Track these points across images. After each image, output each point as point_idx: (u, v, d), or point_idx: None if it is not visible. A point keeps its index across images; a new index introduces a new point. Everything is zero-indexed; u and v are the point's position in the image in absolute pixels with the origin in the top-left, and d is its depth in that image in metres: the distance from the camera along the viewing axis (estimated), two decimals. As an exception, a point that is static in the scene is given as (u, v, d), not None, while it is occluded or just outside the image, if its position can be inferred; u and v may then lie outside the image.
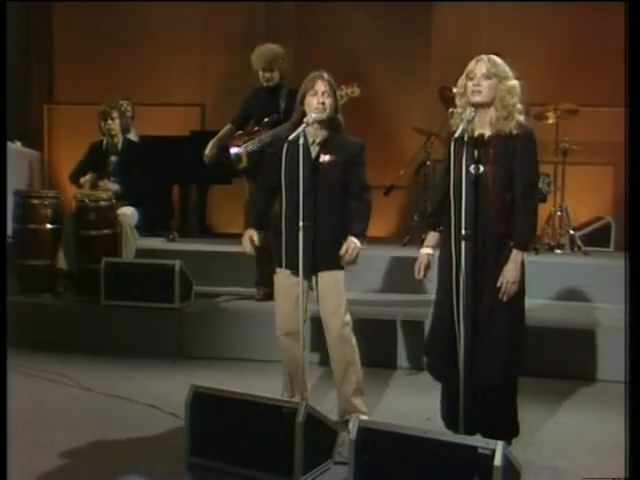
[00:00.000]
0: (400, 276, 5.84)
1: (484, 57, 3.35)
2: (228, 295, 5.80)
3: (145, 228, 6.23)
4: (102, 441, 3.62)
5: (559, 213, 7.00)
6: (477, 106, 3.32)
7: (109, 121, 6.01)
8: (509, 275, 3.31)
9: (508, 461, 2.72)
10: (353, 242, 3.66)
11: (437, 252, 3.54)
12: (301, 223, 3.55)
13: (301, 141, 3.51)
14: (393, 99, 8.42)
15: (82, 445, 3.56)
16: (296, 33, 8.54)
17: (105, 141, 6.14)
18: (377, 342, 5.00)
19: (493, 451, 2.68)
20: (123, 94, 7.45)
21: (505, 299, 3.31)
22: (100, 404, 4.20)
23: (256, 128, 5.39)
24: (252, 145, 5.30)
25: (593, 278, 5.76)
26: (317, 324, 3.93)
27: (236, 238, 6.93)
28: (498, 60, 3.35)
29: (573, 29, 8.03)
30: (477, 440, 2.89)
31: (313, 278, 3.80)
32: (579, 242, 6.90)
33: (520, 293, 3.38)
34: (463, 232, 3.23)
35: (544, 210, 6.84)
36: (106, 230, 5.73)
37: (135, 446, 3.58)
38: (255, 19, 8.68)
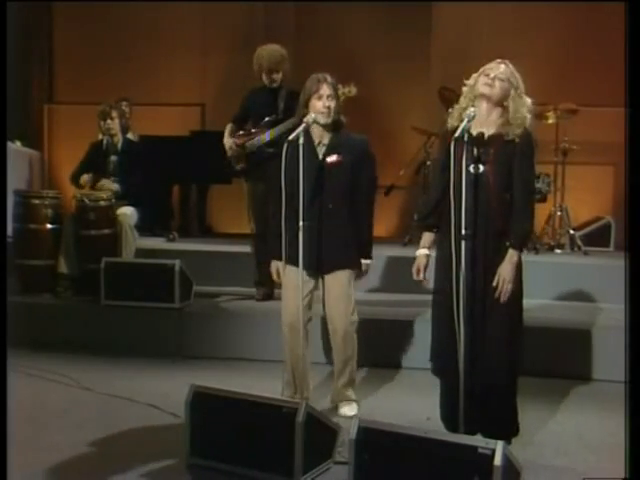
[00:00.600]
0: (400, 276, 5.82)
1: (505, 62, 3.39)
2: (228, 295, 5.80)
3: (145, 228, 6.23)
4: (102, 441, 3.62)
5: (559, 213, 7.00)
6: (483, 98, 3.33)
7: (108, 121, 6.01)
8: (504, 274, 3.32)
9: (508, 461, 2.72)
10: (366, 265, 3.94)
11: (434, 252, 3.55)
12: (301, 223, 3.59)
13: (301, 141, 3.53)
14: (393, 99, 8.42)
15: (82, 445, 3.56)
16: (295, 33, 8.53)
17: (105, 141, 6.14)
18: (377, 342, 5.00)
19: (493, 451, 2.68)
20: (123, 94, 7.46)
21: (502, 298, 3.31)
22: (100, 404, 4.20)
23: (253, 130, 5.38)
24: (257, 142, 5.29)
25: (593, 278, 5.76)
26: (325, 324, 3.96)
27: (236, 238, 7.01)
28: (516, 72, 3.38)
29: (573, 29, 8.02)
30: (477, 440, 2.89)
31: (319, 278, 3.92)
32: (579, 242, 6.89)
33: (518, 293, 3.38)
34: (463, 232, 3.24)
35: (544, 210, 6.84)
36: (106, 230, 5.74)
37: (135, 446, 3.58)
38: (254, 19, 8.67)
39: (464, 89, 3.46)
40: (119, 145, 6.10)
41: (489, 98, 3.34)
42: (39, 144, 8.89)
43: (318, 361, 4.66)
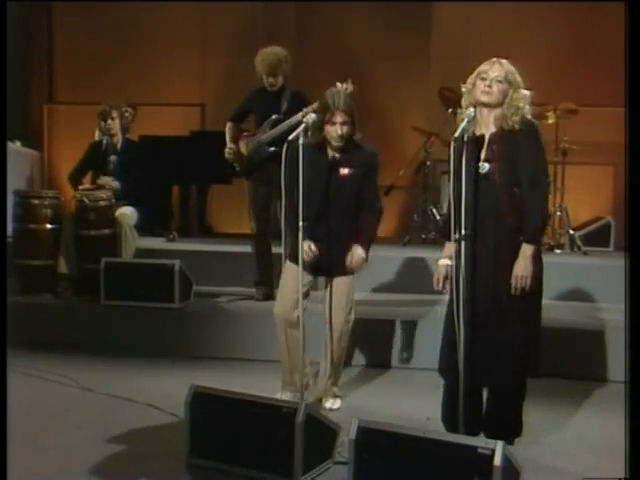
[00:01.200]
0: (400, 276, 5.85)
1: (500, 61, 3.36)
2: (228, 295, 5.80)
3: (145, 228, 6.23)
4: (102, 441, 3.62)
5: (559, 213, 7.00)
6: (484, 106, 3.33)
7: (109, 121, 6.01)
8: (519, 269, 3.29)
9: (508, 461, 2.72)
10: (358, 251, 3.91)
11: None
12: (300, 223, 3.62)
13: (300, 141, 3.58)
14: (393, 99, 8.42)
15: (82, 445, 3.56)
16: (296, 33, 8.53)
17: (105, 141, 6.14)
18: (377, 342, 5.01)
19: (493, 451, 2.68)
20: (123, 94, 7.42)
21: (518, 294, 3.29)
22: (100, 404, 4.20)
23: (247, 133, 5.40)
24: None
25: (593, 278, 5.76)
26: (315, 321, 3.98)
27: (236, 238, 7.01)
28: (512, 67, 3.36)
29: (573, 29, 8.02)
30: (477, 440, 2.90)
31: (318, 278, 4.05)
32: (579, 242, 6.90)
33: (535, 290, 3.36)
34: (463, 232, 3.23)
35: (544, 210, 6.84)
36: (106, 230, 5.73)
37: (135, 446, 3.57)
38: (255, 19, 8.67)
39: (463, 92, 3.44)
40: (119, 145, 6.09)
41: (489, 104, 3.34)
42: (39, 144, 8.88)
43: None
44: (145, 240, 6.37)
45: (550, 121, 6.98)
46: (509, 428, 3.43)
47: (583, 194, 7.62)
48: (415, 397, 4.35)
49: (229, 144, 5.46)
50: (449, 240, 3.49)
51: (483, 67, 3.36)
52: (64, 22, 9.09)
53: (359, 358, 4.96)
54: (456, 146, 3.28)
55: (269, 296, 5.46)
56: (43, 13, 9.02)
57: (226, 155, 5.46)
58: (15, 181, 6.94)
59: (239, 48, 7.81)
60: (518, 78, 3.35)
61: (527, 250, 3.31)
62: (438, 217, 7.15)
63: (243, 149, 5.41)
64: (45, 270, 5.80)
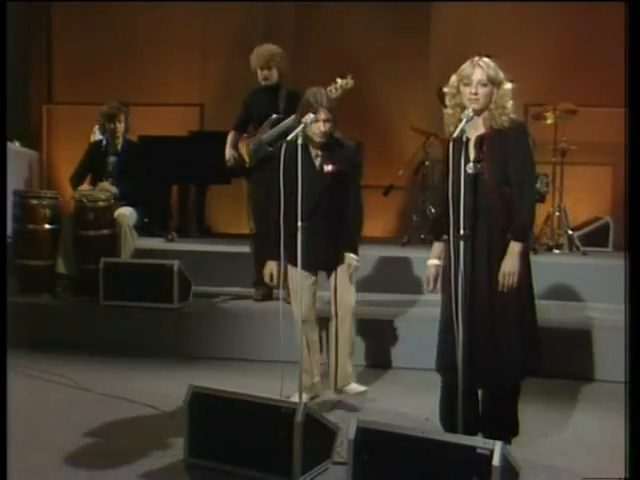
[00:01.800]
0: (399, 276, 5.84)
1: (480, 62, 3.33)
2: (227, 295, 5.79)
3: (144, 228, 6.23)
4: (101, 441, 3.63)
5: (557, 213, 7.00)
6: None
7: (116, 123, 5.99)
8: (506, 266, 3.30)
9: (506, 461, 2.72)
10: (353, 262, 4.06)
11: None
12: (300, 223, 3.61)
13: (299, 141, 3.58)
14: (392, 99, 8.42)
15: (81, 445, 3.57)
16: (295, 33, 8.54)
17: (104, 142, 6.13)
18: (377, 342, 5.01)
19: (491, 451, 2.68)
20: (123, 94, 7.41)
21: (505, 291, 3.30)
22: (99, 404, 4.20)
23: (247, 135, 5.39)
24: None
25: (592, 278, 5.76)
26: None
27: (235, 238, 7.00)
28: (492, 64, 3.35)
29: (573, 29, 8.02)
30: (475, 440, 2.89)
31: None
32: (577, 242, 6.89)
33: (526, 288, 3.37)
34: (461, 232, 3.23)
35: (542, 210, 6.84)
36: (105, 230, 5.73)
37: (134, 446, 3.57)
38: (254, 19, 8.67)
39: (446, 93, 3.43)
40: (119, 146, 6.09)
41: (478, 111, 3.34)
42: (38, 144, 8.89)
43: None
44: (144, 240, 6.37)
45: (549, 121, 6.98)
46: (506, 428, 3.43)
47: (582, 194, 7.63)
48: (413, 397, 4.34)
49: (230, 150, 5.46)
50: (437, 240, 3.56)
51: (465, 70, 3.33)
52: (64, 22, 9.10)
53: (358, 358, 4.95)
54: (455, 146, 3.28)
55: (268, 296, 5.46)
56: (43, 13, 9.04)
57: (227, 163, 5.48)
58: (14, 181, 6.95)
59: (238, 48, 7.80)
60: (500, 74, 3.34)
61: (515, 247, 3.32)
62: (437, 217, 7.15)
63: (243, 150, 5.41)
64: (44, 270, 5.81)
